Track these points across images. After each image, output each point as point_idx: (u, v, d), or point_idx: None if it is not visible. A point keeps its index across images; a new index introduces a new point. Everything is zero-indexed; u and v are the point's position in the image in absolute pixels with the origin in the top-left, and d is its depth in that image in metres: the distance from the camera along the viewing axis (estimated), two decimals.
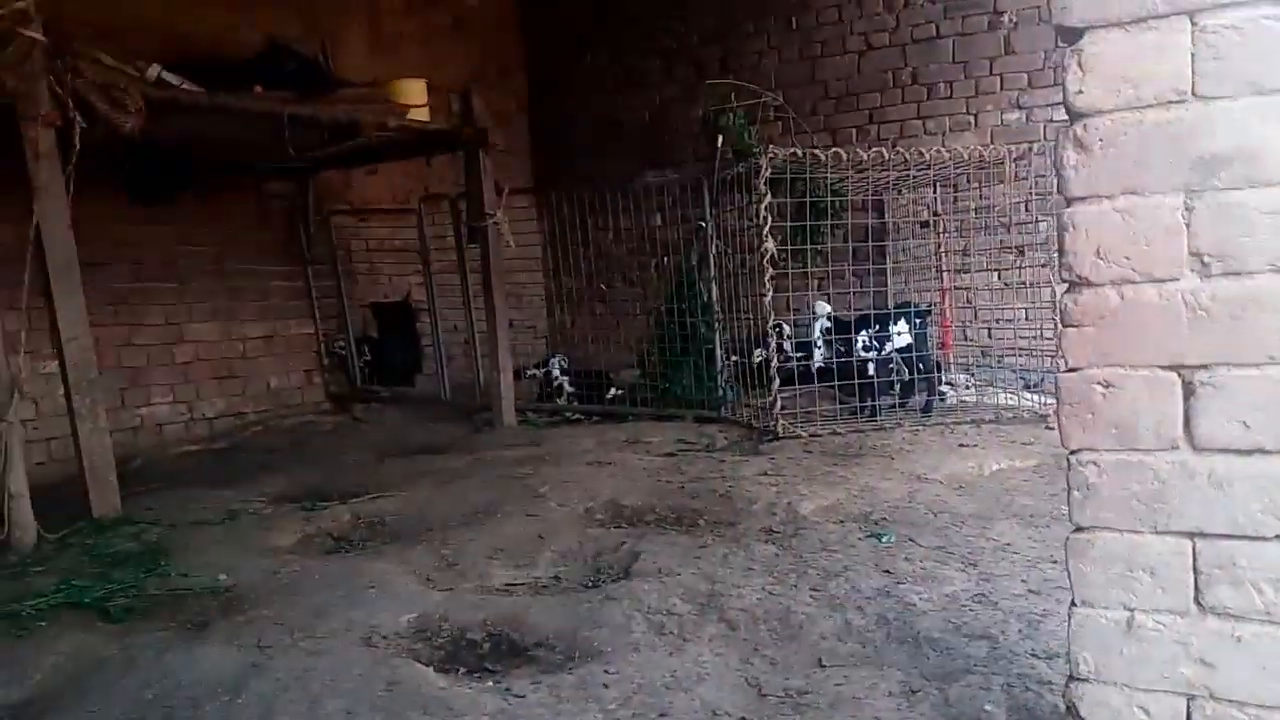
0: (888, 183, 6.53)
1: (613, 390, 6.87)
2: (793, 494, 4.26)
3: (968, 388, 6.52)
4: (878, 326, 5.87)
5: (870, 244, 7.17)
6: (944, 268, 7.11)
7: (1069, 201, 1.69)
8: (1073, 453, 1.72)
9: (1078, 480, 1.72)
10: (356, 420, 7.27)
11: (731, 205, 6.39)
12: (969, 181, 6.66)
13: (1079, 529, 1.72)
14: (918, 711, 2.36)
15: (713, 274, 6.29)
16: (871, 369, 5.77)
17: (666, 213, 7.48)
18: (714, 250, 6.25)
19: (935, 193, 7.02)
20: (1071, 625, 1.74)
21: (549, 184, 8.66)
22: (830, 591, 3.13)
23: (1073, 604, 1.74)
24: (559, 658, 2.82)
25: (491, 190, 6.24)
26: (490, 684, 2.67)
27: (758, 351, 6.12)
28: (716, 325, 6.32)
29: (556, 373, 7.17)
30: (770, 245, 5.50)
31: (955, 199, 6.99)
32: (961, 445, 5.11)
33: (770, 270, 5.52)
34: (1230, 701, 1.61)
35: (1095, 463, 1.70)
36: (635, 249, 8.01)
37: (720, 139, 7.01)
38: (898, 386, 6.00)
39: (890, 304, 6.64)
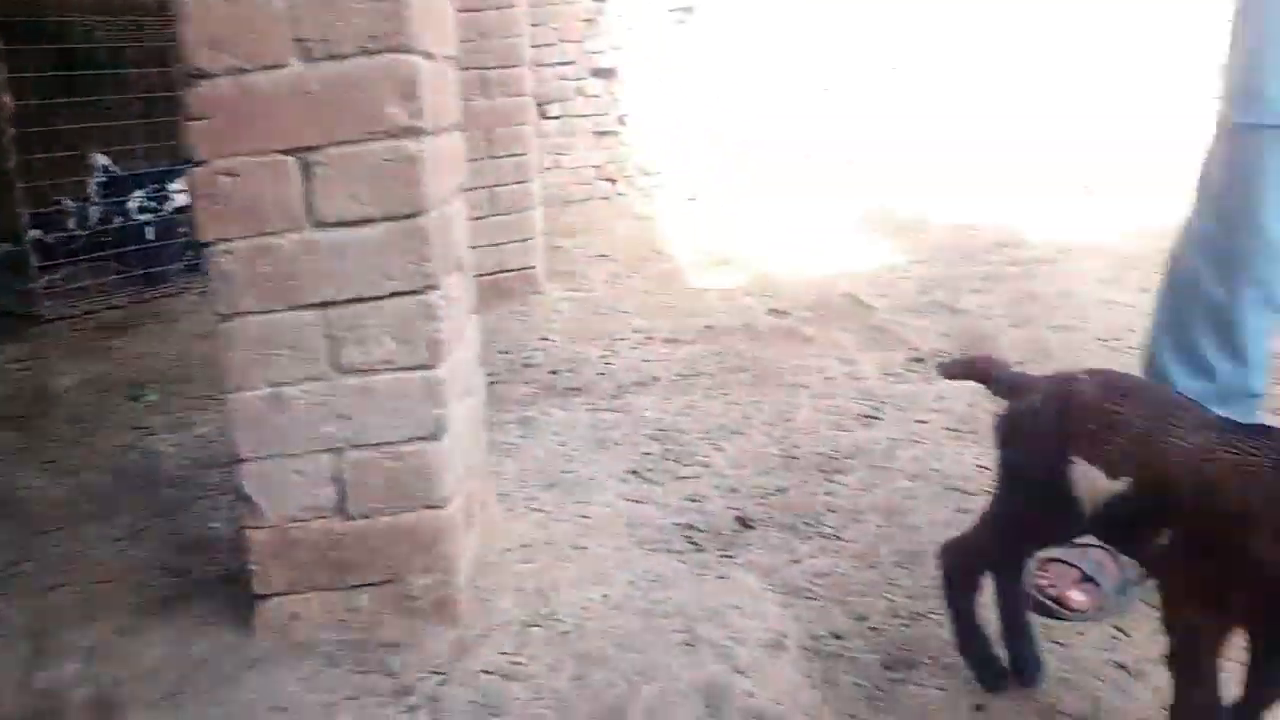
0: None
1: None
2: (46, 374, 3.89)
3: None
4: (154, 185, 5.47)
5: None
6: None
7: None
8: (207, 245, 1.74)
9: (217, 272, 1.75)
10: None
11: None
12: None
13: (224, 318, 1.77)
14: (144, 547, 2.32)
15: None
16: (151, 233, 5.39)
17: None
18: None
19: None
20: (227, 411, 1.79)
21: None
22: (66, 462, 2.92)
23: (227, 392, 1.79)
24: None
25: None
26: None
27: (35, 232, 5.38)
28: None
29: None
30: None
31: None
32: None
33: (11, 131, 4.85)
34: (368, 446, 1.80)
35: (229, 251, 1.74)
36: None
37: None
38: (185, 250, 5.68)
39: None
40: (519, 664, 1.75)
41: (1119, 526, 1.46)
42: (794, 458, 2.65)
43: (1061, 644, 1.80)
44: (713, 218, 5.65)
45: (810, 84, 6.81)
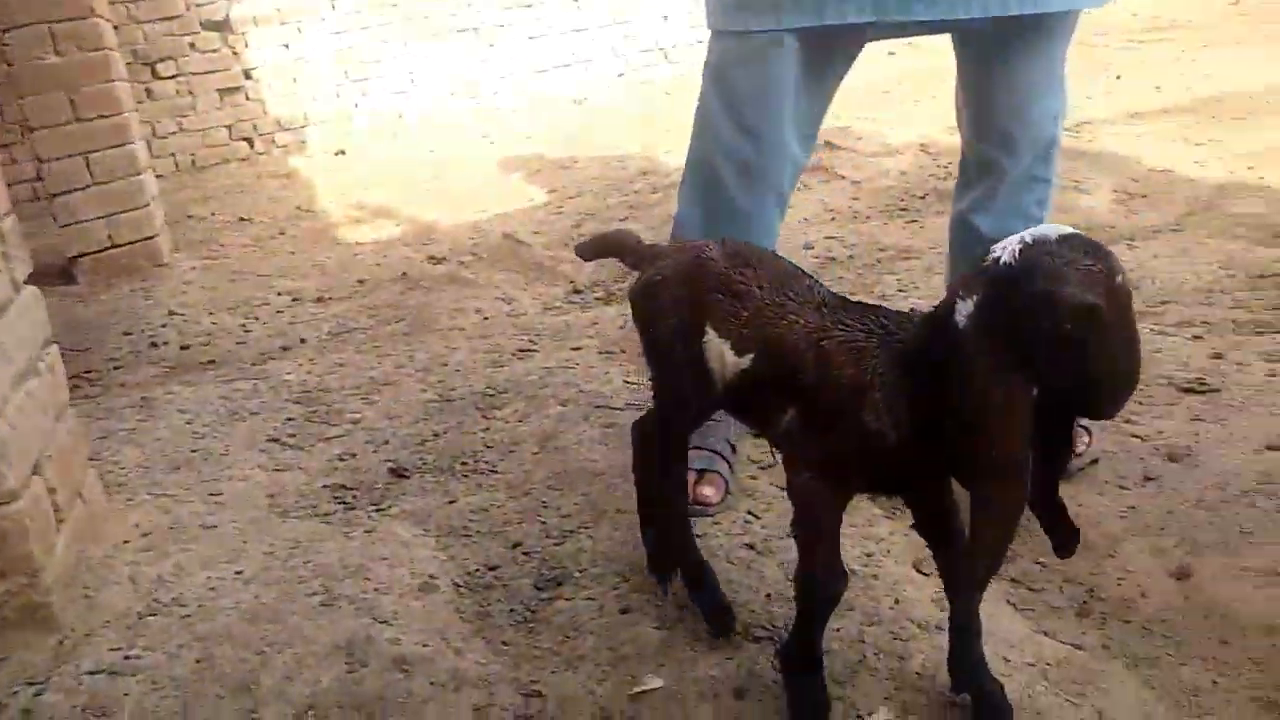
0: None
1: None
2: None
3: None
4: None
5: None
6: None
7: None
8: None
9: None
10: None
11: None
12: None
13: None
14: None
15: None
16: None
17: None
18: None
19: None
20: None
21: None
22: None
23: None
24: None
25: None
26: None
27: None
28: None
29: None
30: None
31: None
32: None
33: None
34: None
35: None
36: None
37: None
38: None
39: None
40: (133, 658, 1.58)
41: (747, 403, 1.48)
42: (450, 400, 2.59)
43: (697, 535, 1.86)
44: (363, 171, 5.43)
45: (457, 25, 6.67)
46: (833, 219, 3.78)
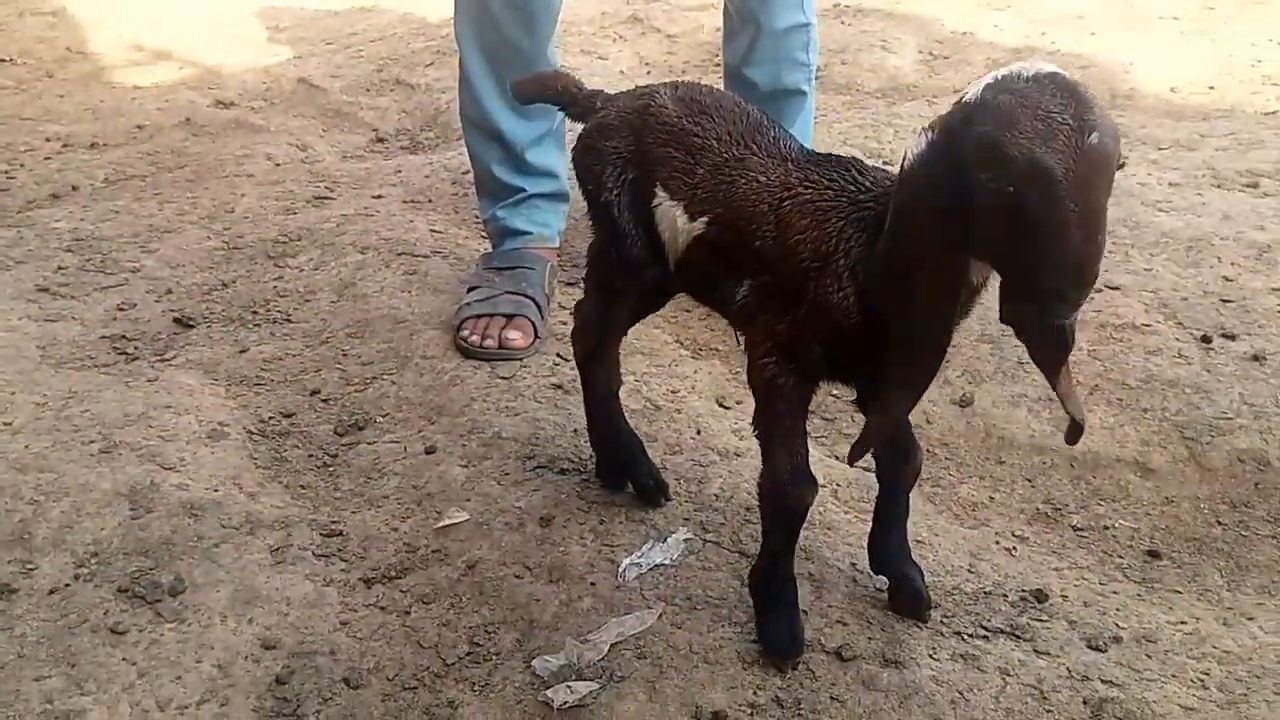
0: None
1: None
2: None
3: None
4: None
5: None
6: None
7: None
8: None
9: None
10: None
11: None
12: None
13: None
14: None
15: None
16: None
17: None
18: None
19: None
20: None
21: None
22: None
23: None
24: None
25: None
26: None
27: None
28: None
29: None
30: None
31: None
32: None
33: None
34: None
35: None
36: None
37: None
38: None
39: None
40: None
41: (702, 278, 1.30)
42: (238, 249, 2.43)
43: (505, 378, 1.84)
44: (141, 11, 4.95)
45: None
46: (649, 72, 3.72)
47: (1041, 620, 1.32)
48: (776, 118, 2.09)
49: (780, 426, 1.21)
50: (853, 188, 1.14)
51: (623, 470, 1.52)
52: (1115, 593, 1.40)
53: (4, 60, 4.25)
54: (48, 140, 3.28)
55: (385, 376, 1.89)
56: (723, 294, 1.26)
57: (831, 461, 1.64)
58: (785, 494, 1.21)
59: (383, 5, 4.68)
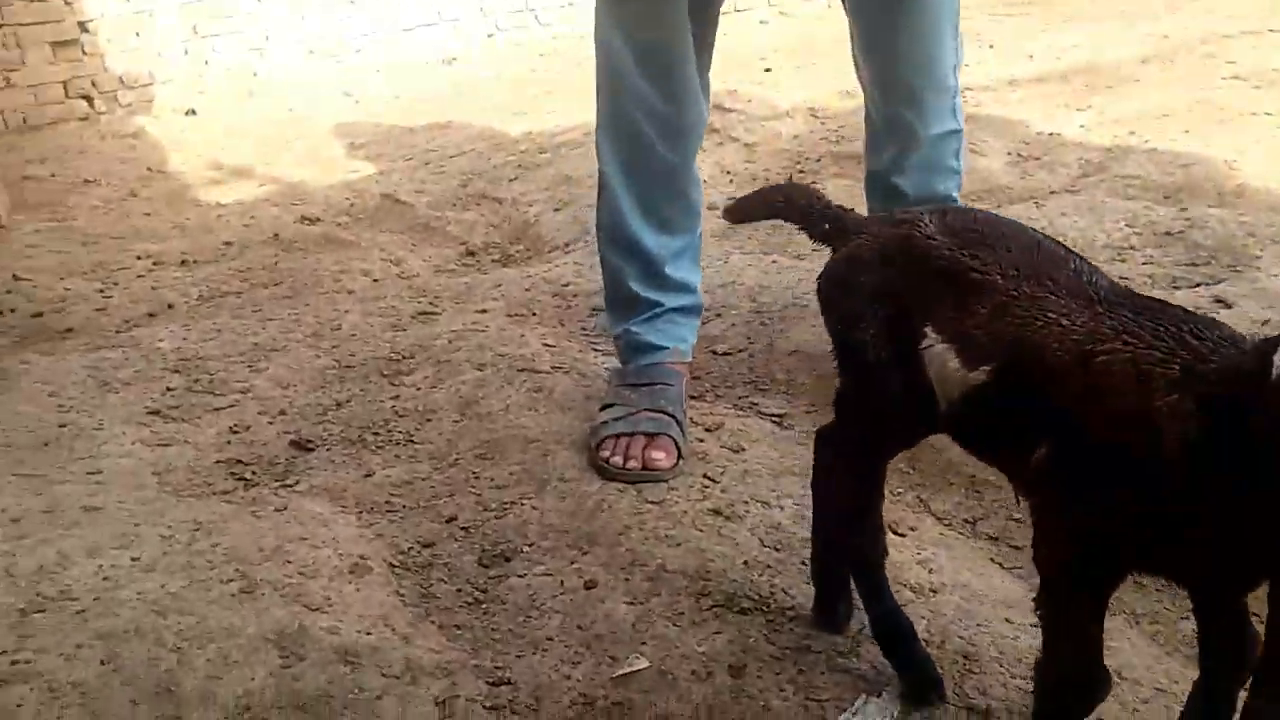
0: None
1: None
2: None
3: None
4: None
5: None
6: None
7: None
8: None
9: None
10: None
11: None
12: None
13: None
14: None
15: None
16: None
17: None
18: None
19: None
20: None
21: None
22: None
23: None
24: None
25: None
26: None
27: None
28: None
29: None
30: None
31: None
32: None
33: None
34: None
35: None
36: None
37: None
38: None
39: None
40: (22, 662, 1.33)
41: (981, 432, 1.14)
42: (350, 367, 2.36)
43: (655, 503, 1.73)
44: (218, 131, 5.03)
45: None
46: (731, 180, 3.68)
47: None
48: None
49: (1072, 617, 1.05)
50: (1182, 345, 0.94)
51: (892, 653, 1.33)
52: None
53: (90, 181, 4.31)
54: (138, 258, 3.28)
55: (524, 501, 1.78)
56: (1007, 452, 1.10)
57: None
58: (1069, 691, 1.06)
59: (459, 121, 4.72)
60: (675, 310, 1.98)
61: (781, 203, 1.43)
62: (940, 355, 1.11)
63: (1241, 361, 0.90)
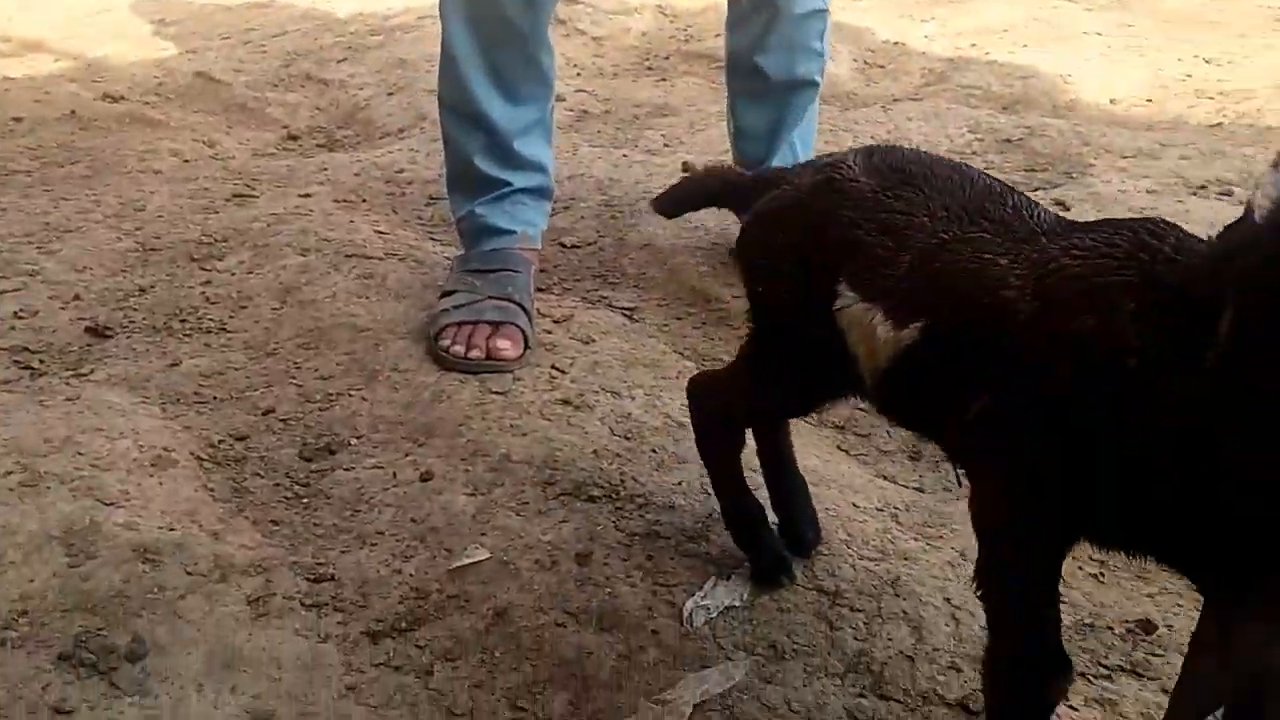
0: None
1: None
2: None
3: None
4: None
5: None
6: None
7: None
8: None
9: None
10: None
11: None
12: None
13: None
14: None
15: None
16: None
17: None
18: None
19: None
20: None
21: None
22: None
23: None
24: None
25: None
26: None
27: None
28: None
29: None
30: None
31: None
32: None
33: None
34: None
35: None
36: None
37: None
38: None
39: None
40: None
41: (914, 397, 0.99)
42: (155, 250, 2.13)
43: (500, 393, 1.62)
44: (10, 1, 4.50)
45: None
46: (579, 74, 3.53)
47: (1157, 654, 1.18)
48: (785, 112, 1.99)
49: (1024, 593, 0.90)
50: (1145, 254, 0.80)
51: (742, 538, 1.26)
52: None
53: None
54: None
55: (352, 392, 1.64)
56: (942, 414, 0.95)
57: (882, 482, 1.48)
58: (1027, 681, 0.90)
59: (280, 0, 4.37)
60: (524, 191, 1.84)
61: (717, 188, 1.28)
62: (859, 316, 0.97)
63: (1228, 240, 0.76)
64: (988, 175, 1.01)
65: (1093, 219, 0.95)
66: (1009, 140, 2.82)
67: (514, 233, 1.82)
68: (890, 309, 0.94)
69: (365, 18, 4.12)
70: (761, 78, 1.90)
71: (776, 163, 1.96)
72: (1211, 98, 3.26)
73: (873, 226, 0.97)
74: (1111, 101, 3.28)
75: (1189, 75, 3.44)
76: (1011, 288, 0.86)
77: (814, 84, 1.94)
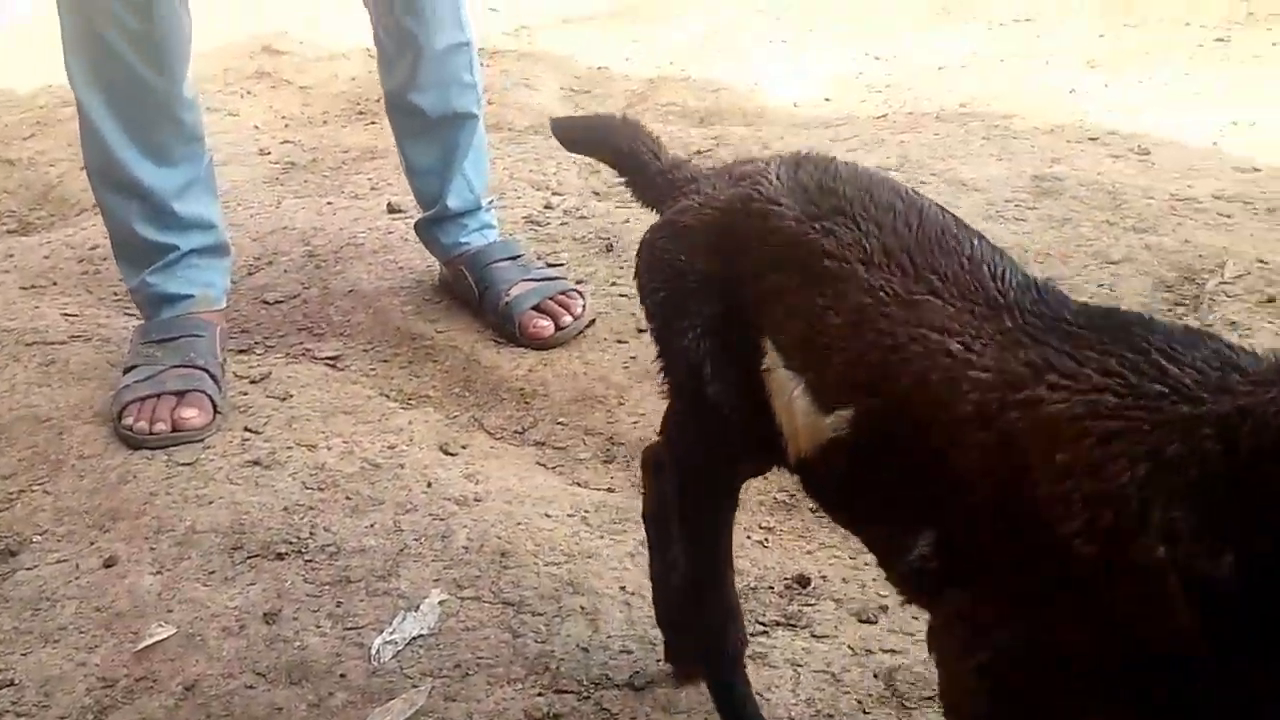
0: None
1: None
2: None
3: None
4: None
5: None
6: None
7: None
8: None
9: None
10: None
11: None
12: None
13: None
14: None
15: None
16: None
17: None
18: None
19: None
20: None
21: None
22: None
23: None
24: None
25: None
26: None
27: None
28: None
29: None
30: None
31: None
32: None
33: None
34: None
35: None
36: None
37: None
38: None
39: None
40: None
41: (840, 493, 0.78)
42: None
43: (187, 464, 1.60)
44: None
45: None
46: (286, 125, 3.50)
47: (810, 605, 1.31)
48: (450, 146, 2.03)
49: None
50: (1157, 387, 0.57)
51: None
52: (869, 564, 1.42)
53: None
54: None
55: (35, 487, 1.59)
56: (881, 537, 0.76)
57: (575, 489, 1.56)
58: None
59: None
60: (194, 253, 1.81)
61: (625, 152, 1.07)
62: (785, 385, 0.76)
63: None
64: (937, 206, 0.80)
65: None
66: (699, 151, 2.99)
67: (191, 296, 1.80)
68: (815, 384, 0.74)
69: (54, 90, 3.92)
70: (420, 115, 1.95)
71: (452, 197, 2.01)
72: (879, 91, 3.57)
73: (794, 270, 0.76)
74: (795, 105, 3.53)
75: (861, 73, 3.76)
76: (966, 399, 0.64)
77: (473, 116, 2.00)
